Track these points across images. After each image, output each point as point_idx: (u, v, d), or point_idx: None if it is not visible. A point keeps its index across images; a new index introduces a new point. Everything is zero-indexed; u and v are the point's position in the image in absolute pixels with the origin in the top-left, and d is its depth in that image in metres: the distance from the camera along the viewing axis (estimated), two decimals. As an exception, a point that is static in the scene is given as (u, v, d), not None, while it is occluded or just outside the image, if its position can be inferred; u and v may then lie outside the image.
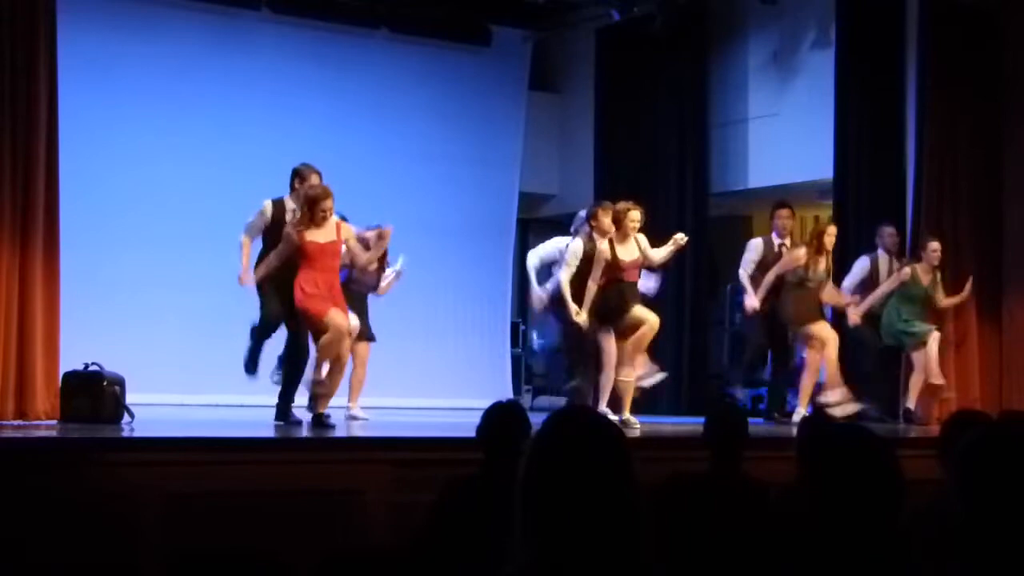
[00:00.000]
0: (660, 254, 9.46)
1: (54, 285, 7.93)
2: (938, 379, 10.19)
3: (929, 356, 10.20)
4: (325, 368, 8.29)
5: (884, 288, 10.31)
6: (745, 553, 4.00)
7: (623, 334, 9.24)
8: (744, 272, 10.34)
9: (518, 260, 13.88)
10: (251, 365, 8.59)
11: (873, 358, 10.60)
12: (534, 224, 14.77)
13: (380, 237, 8.91)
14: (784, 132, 12.41)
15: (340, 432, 8.05)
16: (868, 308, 10.39)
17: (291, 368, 8.39)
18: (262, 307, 8.48)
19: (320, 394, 8.22)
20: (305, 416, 8.27)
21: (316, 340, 8.25)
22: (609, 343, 9.17)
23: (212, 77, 11.84)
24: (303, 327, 8.27)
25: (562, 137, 14.32)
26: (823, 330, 10.01)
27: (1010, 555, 2.77)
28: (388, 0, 12.57)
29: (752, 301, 10.12)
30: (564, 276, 9.29)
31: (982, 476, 2.87)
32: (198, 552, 2.54)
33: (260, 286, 8.45)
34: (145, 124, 11.42)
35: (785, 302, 10.05)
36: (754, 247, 10.46)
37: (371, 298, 9.78)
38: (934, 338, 10.22)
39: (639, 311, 9.29)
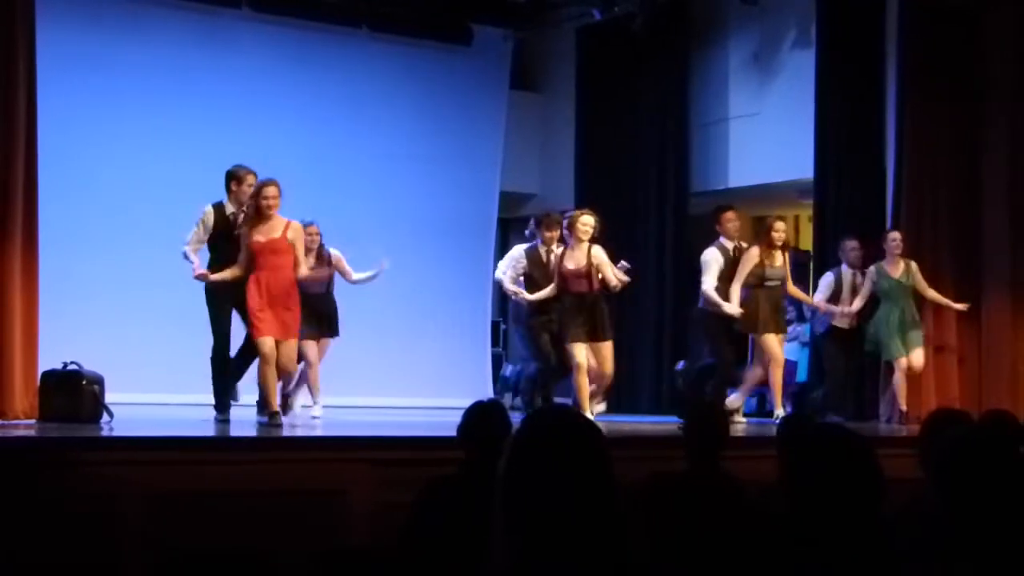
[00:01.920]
0: (612, 279, 9.22)
1: (33, 284, 7.90)
2: (902, 406, 10.18)
3: (897, 383, 10.23)
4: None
5: (864, 292, 10.31)
6: (726, 552, 4.00)
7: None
8: (709, 286, 10.00)
9: (499, 259, 13.88)
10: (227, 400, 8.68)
11: (837, 374, 10.62)
12: (515, 223, 14.75)
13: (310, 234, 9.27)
14: (765, 132, 12.44)
15: (321, 432, 8.04)
16: (855, 313, 10.41)
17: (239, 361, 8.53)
18: (213, 321, 8.53)
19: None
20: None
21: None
22: (571, 349, 9.18)
23: (191, 76, 11.80)
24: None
25: (543, 136, 14.32)
26: (772, 345, 9.90)
27: (988, 553, 2.78)
28: (369, -1, 12.58)
29: (734, 309, 9.85)
30: (504, 276, 9.82)
31: (961, 475, 2.89)
32: (179, 552, 2.54)
33: (211, 298, 8.48)
34: (124, 123, 11.38)
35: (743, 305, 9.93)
36: (713, 258, 10.11)
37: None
38: (900, 366, 10.21)
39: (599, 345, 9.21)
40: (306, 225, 9.53)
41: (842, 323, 10.51)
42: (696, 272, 10.38)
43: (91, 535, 5.70)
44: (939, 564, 2.83)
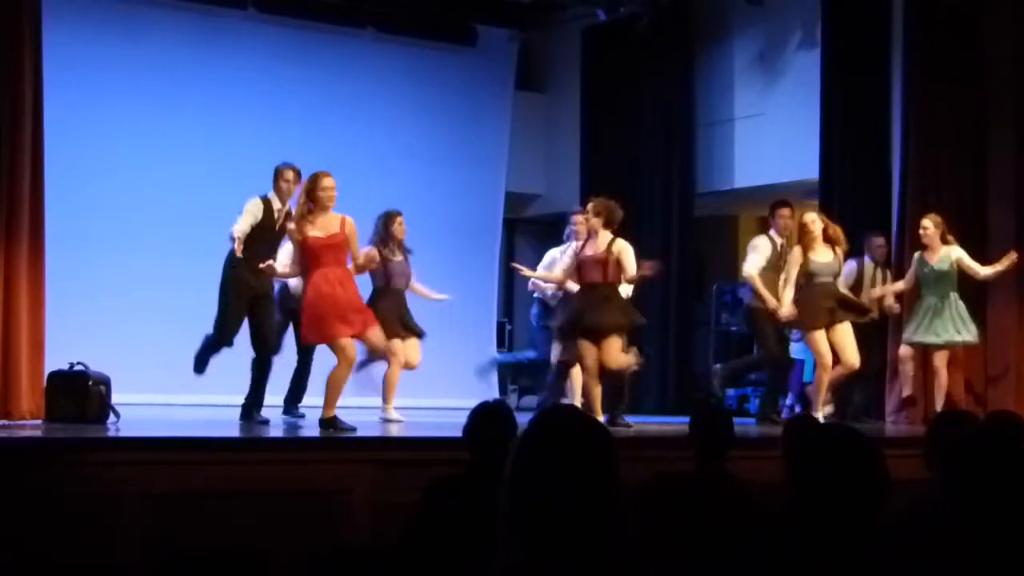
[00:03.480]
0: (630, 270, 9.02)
1: (39, 284, 7.91)
2: (939, 404, 9.79)
3: (938, 377, 9.99)
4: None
5: (907, 277, 10.17)
6: (730, 553, 4.00)
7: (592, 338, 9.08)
8: (753, 268, 9.92)
9: (504, 260, 13.88)
10: (200, 365, 8.65)
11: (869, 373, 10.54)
12: (520, 224, 14.77)
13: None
14: (770, 132, 12.43)
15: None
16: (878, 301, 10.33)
17: (257, 370, 8.45)
18: (221, 317, 8.48)
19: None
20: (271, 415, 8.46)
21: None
22: (579, 347, 9.08)
23: (197, 77, 11.82)
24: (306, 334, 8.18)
25: (548, 137, 14.32)
26: (816, 342, 9.60)
27: (994, 554, 2.78)
28: (374, -1, 12.59)
29: (776, 305, 9.65)
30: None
31: (968, 476, 2.88)
32: (184, 552, 2.54)
33: (224, 295, 8.44)
34: (130, 124, 11.40)
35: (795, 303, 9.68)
36: (761, 246, 10.08)
37: None
38: (942, 357, 10.00)
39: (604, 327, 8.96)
40: (393, 214, 9.50)
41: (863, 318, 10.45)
42: (701, 272, 10.36)
43: (97, 535, 5.71)
44: (943, 565, 2.83)
